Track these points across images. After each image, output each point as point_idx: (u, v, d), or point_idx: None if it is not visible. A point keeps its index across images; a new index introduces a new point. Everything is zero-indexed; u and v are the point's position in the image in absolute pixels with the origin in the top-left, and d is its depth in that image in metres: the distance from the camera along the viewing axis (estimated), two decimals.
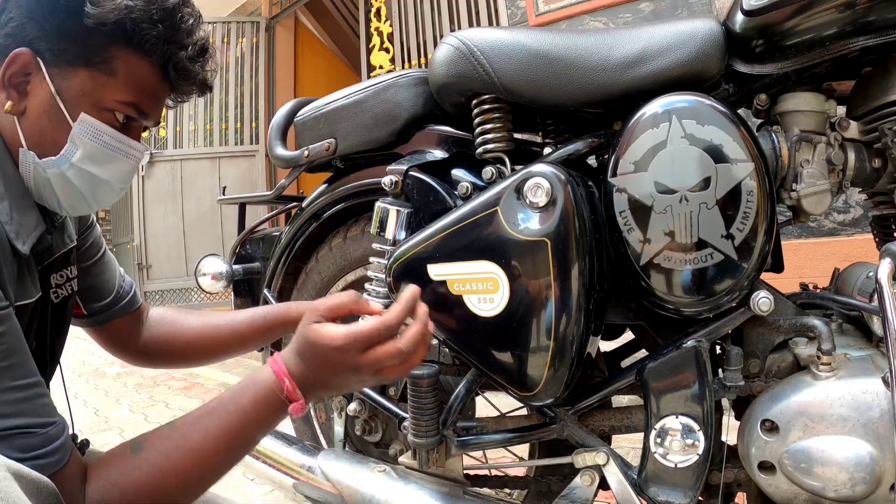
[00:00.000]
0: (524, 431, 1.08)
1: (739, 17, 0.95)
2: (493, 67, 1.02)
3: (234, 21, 6.25)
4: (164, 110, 1.03)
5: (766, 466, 0.92)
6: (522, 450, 1.34)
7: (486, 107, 1.07)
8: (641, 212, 0.91)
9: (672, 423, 0.95)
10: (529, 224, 0.92)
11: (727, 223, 0.87)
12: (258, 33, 6.16)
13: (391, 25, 4.89)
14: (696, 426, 0.94)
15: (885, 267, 0.80)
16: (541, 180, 0.91)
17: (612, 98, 0.99)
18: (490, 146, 1.07)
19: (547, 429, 1.05)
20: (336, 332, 0.80)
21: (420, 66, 4.70)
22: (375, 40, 5.01)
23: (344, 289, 1.45)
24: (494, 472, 1.27)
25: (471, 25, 4.36)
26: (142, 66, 0.91)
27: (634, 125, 0.92)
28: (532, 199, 0.91)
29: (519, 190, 0.93)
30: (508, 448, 1.28)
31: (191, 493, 0.84)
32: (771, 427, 0.91)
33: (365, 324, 0.81)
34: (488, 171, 1.05)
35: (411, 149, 1.21)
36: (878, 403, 0.85)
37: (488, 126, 1.07)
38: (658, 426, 0.96)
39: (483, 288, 0.96)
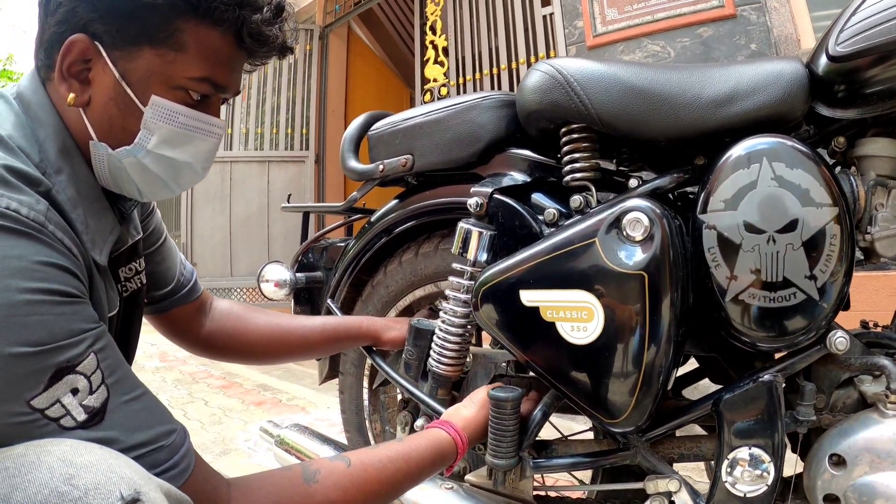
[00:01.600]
0: (598, 456, 1.10)
1: (824, 60, 0.97)
2: (589, 98, 1.05)
3: (287, 28, 6.34)
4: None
5: (830, 499, 0.94)
6: (582, 473, 1.36)
7: (576, 136, 1.10)
8: (730, 249, 0.93)
9: (744, 453, 0.97)
10: (627, 257, 0.94)
11: (811, 265, 0.89)
12: (312, 41, 6.25)
13: (446, 39, 4.93)
14: (767, 457, 0.96)
15: None
16: (640, 215, 0.93)
17: (702, 134, 1.02)
18: (578, 175, 1.09)
19: (620, 454, 1.07)
20: None
21: (475, 80, 4.74)
22: (430, 53, 5.05)
23: (411, 304, 1.49)
24: (557, 495, 1.29)
25: (527, 43, 4.40)
26: (212, 36, 0.84)
27: (724, 164, 0.95)
28: (630, 233, 0.94)
29: (617, 223, 0.95)
30: (572, 472, 1.30)
31: None
32: (838, 461, 0.93)
33: None
34: (577, 200, 1.08)
35: (491, 171, 1.24)
36: None
37: (577, 155, 1.10)
38: (730, 456, 0.98)
39: (577, 316, 0.98)
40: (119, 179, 0.88)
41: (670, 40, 3.54)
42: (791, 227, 0.90)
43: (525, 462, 1.10)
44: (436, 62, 5.01)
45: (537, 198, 1.16)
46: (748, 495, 0.97)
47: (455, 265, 1.19)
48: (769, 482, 0.96)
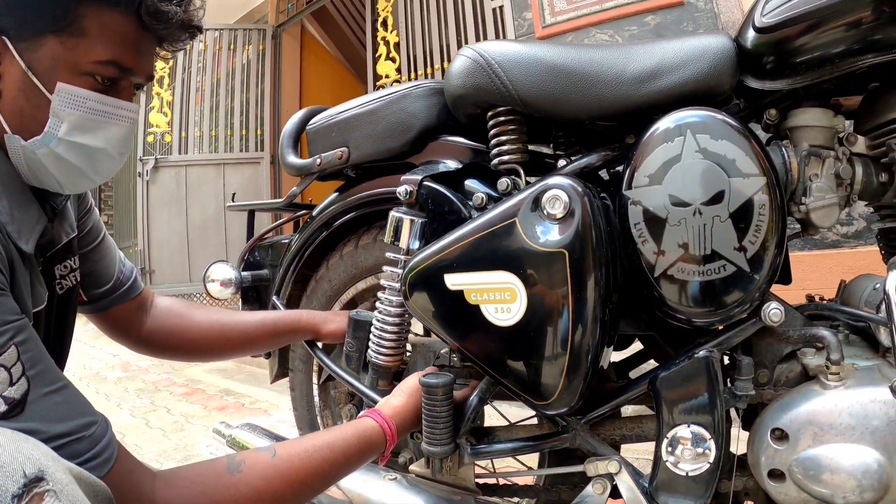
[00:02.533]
0: (536, 440, 1.09)
1: (751, 33, 0.98)
2: (510, 80, 1.04)
3: (240, 28, 6.32)
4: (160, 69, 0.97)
5: (775, 475, 0.94)
6: (531, 459, 1.35)
7: (502, 119, 1.09)
8: (656, 224, 0.92)
9: (684, 432, 0.96)
10: (547, 235, 0.93)
11: (740, 236, 0.89)
12: (264, 41, 6.22)
13: (398, 35, 4.93)
14: (707, 435, 0.95)
15: (893, 279, 0.84)
16: (559, 192, 0.92)
17: (626, 112, 1.01)
18: (505, 157, 1.08)
19: (559, 437, 1.06)
20: None
21: (426, 75, 4.74)
22: (382, 49, 5.05)
23: (354, 297, 1.47)
24: (504, 481, 1.28)
25: (477, 36, 4.41)
26: (113, 18, 0.83)
27: (649, 139, 0.94)
28: (550, 211, 0.92)
29: (537, 201, 0.94)
30: (518, 457, 1.29)
31: None
32: (781, 436, 0.93)
33: None
34: (504, 182, 1.07)
35: (424, 159, 1.23)
36: (885, 412, 0.87)
37: (504, 138, 1.09)
38: (670, 435, 0.97)
39: (500, 298, 0.97)
40: (38, 172, 0.86)
41: (619, 29, 3.57)
42: (717, 198, 0.89)
43: (462, 449, 1.09)
44: (387, 58, 5.01)
45: (468, 183, 1.15)
46: (690, 474, 0.97)
47: (389, 254, 1.17)
48: (711, 459, 0.96)
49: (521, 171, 1.08)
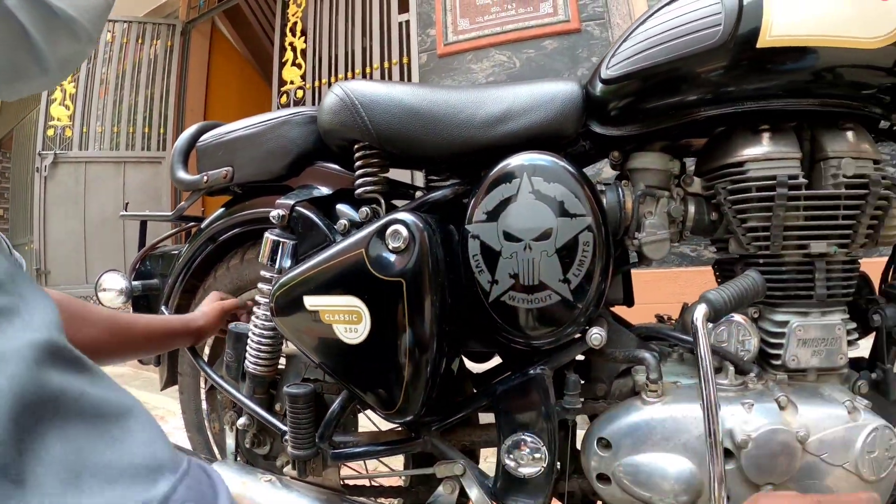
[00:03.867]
0: (392, 445, 1.19)
1: (597, 83, 1.08)
2: (370, 120, 1.12)
3: (149, 22, 6.15)
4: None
5: (603, 478, 1.05)
6: (400, 462, 1.44)
7: (365, 153, 1.18)
8: (490, 256, 1.02)
9: (520, 439, 1.07)
10: (388, 265, 1.02)
11: (564, 269, 0.99)
12: (173, 36, 6.09)
13: (305, 41, 4.94)
14: (540, 443, 1.06)
15: (700, 310, 0.93)
16: (400, 227, 1.01)
17: (475, 153, 1.11)
18: (367, 188, 1.17)
19: (412, 443, 1.16)
20: None
21: (329, 84, 4.76)
22: (289, 55, 5.04)
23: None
24: (374, 483, 1.37)
25: (382, 49, 4.48)
26: None
27: (489, 179, 1.04)
28: (392, 244, 1.01)
29: (381, 234, 1.02)
30: (383, 460, 1.38)
31: None
32: (606, 444, 1.03)
33: None
34: (363, 211, 1.16)
35: (301, 182, 1.30)
36: (696, 426, 0.98)
37: (366, 170, 1.18)
38: (508, 442, 1.08)
39: (349, 319, 1.05)
40: None
41: (517, 51, 3.71)
42: (546, 235, 0.99)
43: (325, 452, 1.18)
44: (294, 64, 5.02)
45: (338, 208, 1.23)
46: (527, 476, 1.07)
47: (263, 273, 1.25)
48: (545, 465, 1.07)
49: (382, 201, 1.17)
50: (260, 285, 1.26)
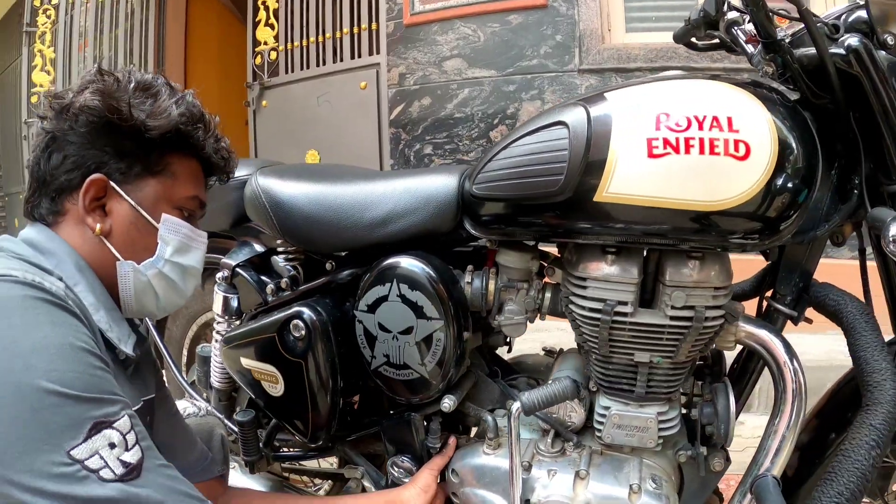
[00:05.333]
0: (313, 451, 1.57)
1: (467, 192, 1.23)
2: (276, 220, 1.37)
3: None
4: None
5: (456, 496, 1.33)
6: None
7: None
8: (370, 339, 1.30)
9: (400, 459, 1.39)
10: (293, 348, 1.31)
11: (422, 356, 1.25)
12: None
13: (277, 1, 4.86)
14: (414, 465, 1.38)
15: (515, 407, 1.17)
16: (299, 322, 1.28)
17: (365, 249, 1.33)
18: (287, 264, 1.47)
19: (327, 451, 1.55)
20: None
21: (301, 47, 4.81)
22: (262, 14, 4.98)
23: (207, 321, 1.90)
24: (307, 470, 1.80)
25: (352, 13, 4.54)
26: (192, 163, 1.06)
27: (369, 278, 1.28)
28: (294, 333, 1.30)
29: (287, 324, 1.31)
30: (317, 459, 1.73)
31: None
32: (455, 472, 1.32)
33: None
34: (285, 282, 1.44)
35: (243, 236, 1.59)
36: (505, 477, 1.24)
37: (285, 248, 1.47)
38: (392, 459, 1.41)
39: (270, 379, 1.38)
40: (142, 294, 1.02)
41: (482, 24, 3.76)
42: (409, 331, 1.25)
43: (268, 455, 1.54)
44: (267, 24, 4.96)
45: (272, 261, 1.51)
46: (405, 481, 1.38)
47: (216, 313, 1.57)
48: None
49: (301, 270, 1.46)
50: (216, 325, 1.58)
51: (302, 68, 5.03)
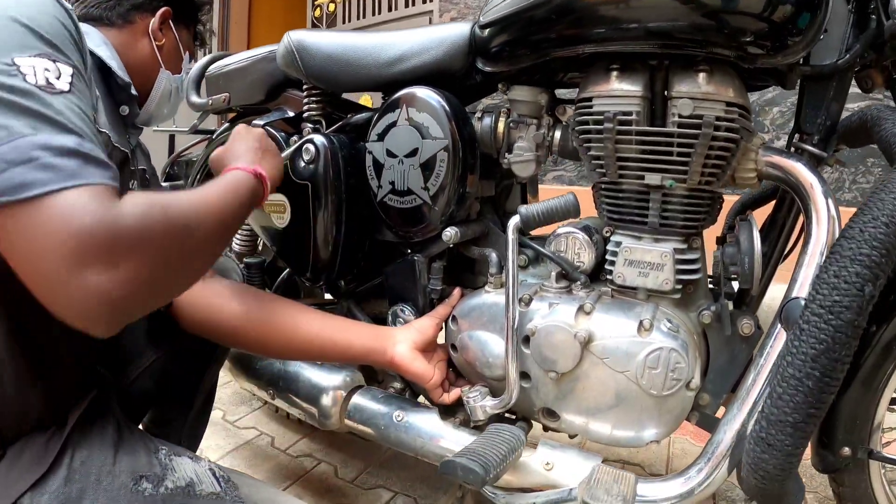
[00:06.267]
0: (321, 306, 1.58)
1: (477, 27, 1.26)
2: (303, 64, 1.44)
3: None
4: None
5: (453, 348, 1.31)
6: None
7: (307, 86, 1.51)
8: (377, 168, 1.34)
9: (399, 308, 1.40)
10: (300, 172, 1.36)
11: (425, 179, 1.27)
12: None
13: None
14: (412, 311, 1.39)
15: (513, 220, 1.14)
16: (310, 146, 1.34)
17: (383, 86, 1.39)
18: (311, 113, 1.51)
19: (335, 305, 1.57)
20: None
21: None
22: None
23: None
24: None
25: None
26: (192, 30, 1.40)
27: (381, 108, 1.33)
28: (304, 157, 1.35)
29: (299, 150, 1.36)
30: None
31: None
32: (454, 319, 1.30)
33: None
34: (307, 129, 1.49)
35: (277, 105, 1.67)
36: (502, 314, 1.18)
37: (310, 99, 1.51)
38: (392, 309, 1.42)
39: (278, 209, 1.42)
40: (163, 97, 1.29)
41: None
42: (413, 153, 1.28)
43: None
44: None
45: (302, 126, 1.55)
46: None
47: None
48: None
49: (324, 123, 1.50)
50: None
51: (358, 18, 5.44)
